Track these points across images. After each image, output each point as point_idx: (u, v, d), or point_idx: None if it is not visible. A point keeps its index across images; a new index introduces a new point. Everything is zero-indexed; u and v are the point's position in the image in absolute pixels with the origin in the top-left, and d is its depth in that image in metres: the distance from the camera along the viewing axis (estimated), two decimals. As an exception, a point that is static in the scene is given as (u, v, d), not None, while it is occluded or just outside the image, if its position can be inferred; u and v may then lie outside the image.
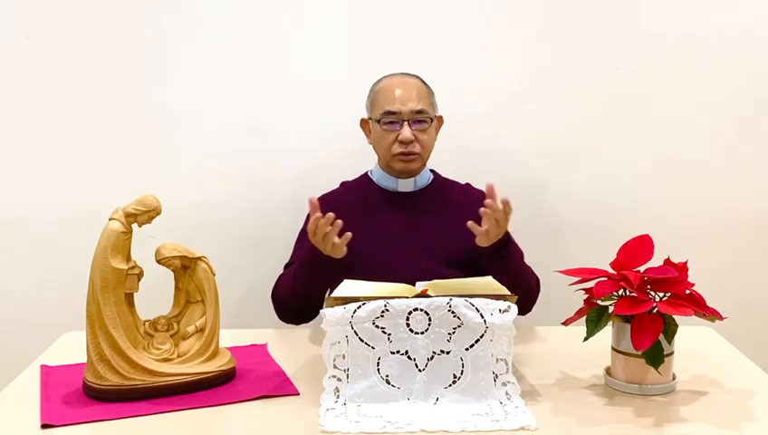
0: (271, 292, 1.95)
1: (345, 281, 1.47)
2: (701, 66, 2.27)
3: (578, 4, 2.25)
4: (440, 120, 2.00)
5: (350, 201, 1.99)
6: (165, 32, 2.22)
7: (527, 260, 2.05)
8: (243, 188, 2.29)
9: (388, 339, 1.33)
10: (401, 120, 1.89)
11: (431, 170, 2.05)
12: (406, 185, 1.99)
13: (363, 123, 2.02)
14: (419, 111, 1.89)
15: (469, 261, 1.89)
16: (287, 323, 1.88)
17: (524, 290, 1.80)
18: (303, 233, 2.00)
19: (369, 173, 2.05)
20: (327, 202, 2.01)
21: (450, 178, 2.08)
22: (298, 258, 1.92)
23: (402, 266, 1.81)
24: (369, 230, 1.92)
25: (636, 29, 2.25)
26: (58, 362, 1.55)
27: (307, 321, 1.85)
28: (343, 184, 2.08)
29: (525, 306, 1.84)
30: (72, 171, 2.25)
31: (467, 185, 2.07)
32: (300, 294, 1.80)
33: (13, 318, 2.29)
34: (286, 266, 1.99)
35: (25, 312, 2.28)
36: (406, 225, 1.95)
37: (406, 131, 1.89)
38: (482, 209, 1.66)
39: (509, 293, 1.39)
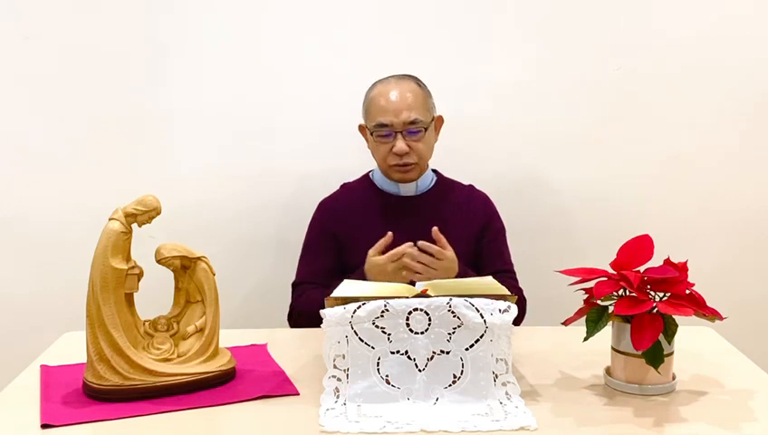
0: (289, 314, 1.94)
1: (345, 281, 1.47)
2: (701, 66, 2.27)
3: (578, 5, 2.25)
4: (440, 119, 1.97)
5: (351, 204, 1.98)
6: (165, 32, 2.22)
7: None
8: (243, 188, 2.30)
9: (388, 339, 1.33)
10: (394, 132, 1.86)
11: (433, 170, 2.03)
12: (407, 189, 1.97)
13: (361, 129, 2.00)
14: (412, 122, 1.85)
15: (470, 264, 1.88)
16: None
17: None
18: (310, 244, 1.99)
19: (370, 175, 2.04)
20: (328, 206, 2.01)
21: (453, 178, 2.07)
22: (309, 275, 1.92)
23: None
24: (371, 233, 1.91)
25: (636, 29, 2.26)
26: (58, 362, 1.55)
27: None
28: (344, 186, 2.07)
29: None
30: (72, 171, 2.25)
31: (470, 186, 2.06)
32: None
33: (13, 318, 2.29)
34: (294, 285, 1.98)
35: (26, 312, 2.28)
36: (407, 228, 1.93)
37: (399, 144, 1.86)
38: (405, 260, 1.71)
39: (509, 293, 1.39)
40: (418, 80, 1.94)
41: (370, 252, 1.77)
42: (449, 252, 1.74)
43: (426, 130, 1.88)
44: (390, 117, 1.85)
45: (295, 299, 1.95)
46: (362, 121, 1.98)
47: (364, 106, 1.95)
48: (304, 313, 1.87)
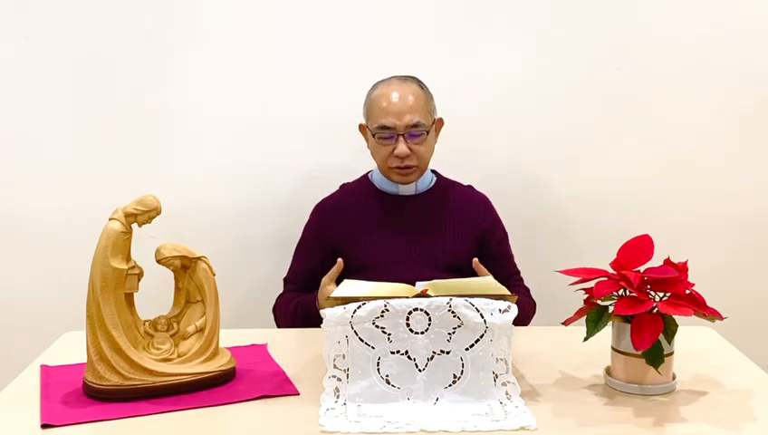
0: (272, 308, 1.99)
1: (345, 281, 1.47)
2: (701, 67, 2.27)
3: (578, 5, 2.25)
4: (440, 122, 1.96)
5: (350, 205, 1.98)
6: (166, 32, 2.22)
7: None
8: (243, 188, 2.30)
9: (388, 339, 1.33)
10: (396, 135, 1.86)
11: (433, 171, 2.03)
12: (407, 189, 1.97)
13: (362, 128, 1.99)
14: (414, 125, 1.85)
15: (469, 265, 1.88)
16: None
17: (521, 321, 1.83)
18: (301, 244, 2.01)
19: (369, 175, 2.03)
20: (325, 208, 2.01)
21: (452, 178, 2.07)
22: (294, 275, 1.98)
23: (402, 270, 1.80)
24: (369, 234, 1.91)
25: (636, 29, 2.26)
26: (58, 362, 1.55)
27: None
28: (343, 186, 2.07)
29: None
30: (72, 171, 2.26)
31: (470, 187, 2.06)
32: (299, 326, 1.85)
33: (13, 318, 2.29)
34: (285, 281, 2.00)
35: (25, 312, 2.28)
36: (406, 229, 1.93)
37: (401, 147, 1.85)
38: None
39: (509, 293, 1.39)
40: (420, 82, 1.92)
41: (324, 280, 1.80)
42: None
43: (427, 133, 1.88)
44: (393, 119, 1.85)
45: (279, 296, 2.01)
46: (363, 121, 1.97)
47: (366, 106, 1.94)
48: (282, 312, 1.95)
